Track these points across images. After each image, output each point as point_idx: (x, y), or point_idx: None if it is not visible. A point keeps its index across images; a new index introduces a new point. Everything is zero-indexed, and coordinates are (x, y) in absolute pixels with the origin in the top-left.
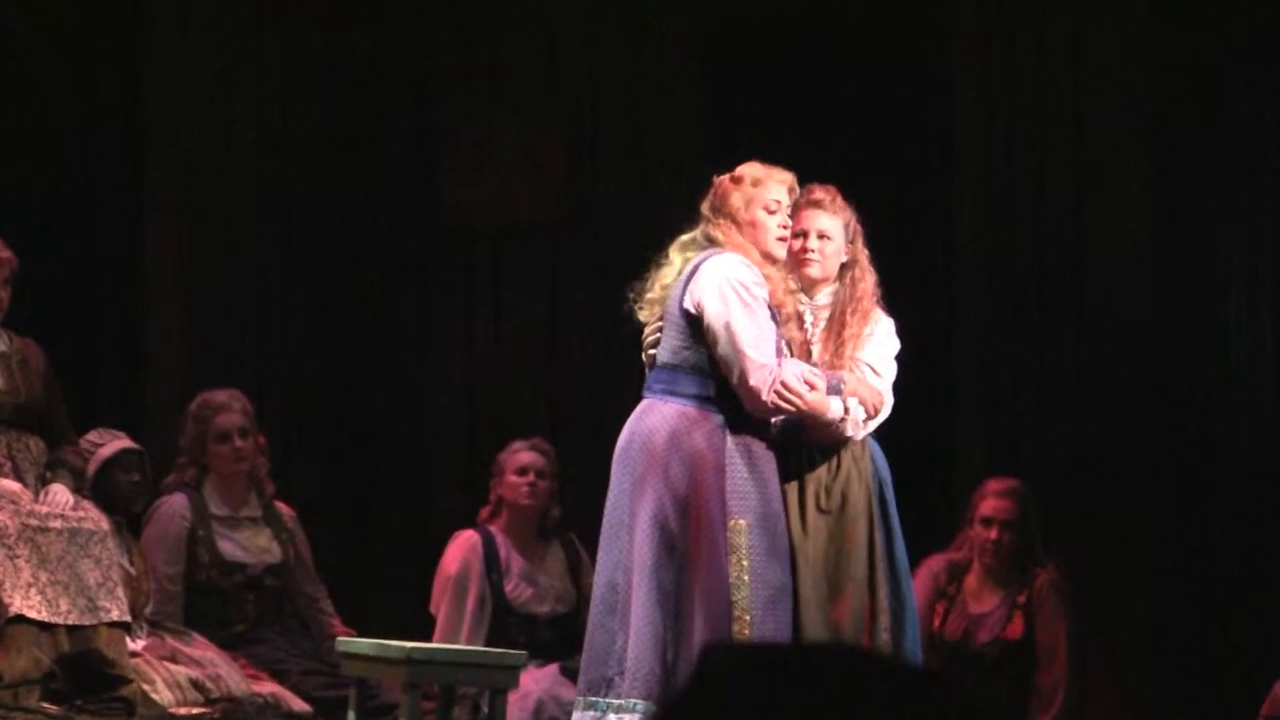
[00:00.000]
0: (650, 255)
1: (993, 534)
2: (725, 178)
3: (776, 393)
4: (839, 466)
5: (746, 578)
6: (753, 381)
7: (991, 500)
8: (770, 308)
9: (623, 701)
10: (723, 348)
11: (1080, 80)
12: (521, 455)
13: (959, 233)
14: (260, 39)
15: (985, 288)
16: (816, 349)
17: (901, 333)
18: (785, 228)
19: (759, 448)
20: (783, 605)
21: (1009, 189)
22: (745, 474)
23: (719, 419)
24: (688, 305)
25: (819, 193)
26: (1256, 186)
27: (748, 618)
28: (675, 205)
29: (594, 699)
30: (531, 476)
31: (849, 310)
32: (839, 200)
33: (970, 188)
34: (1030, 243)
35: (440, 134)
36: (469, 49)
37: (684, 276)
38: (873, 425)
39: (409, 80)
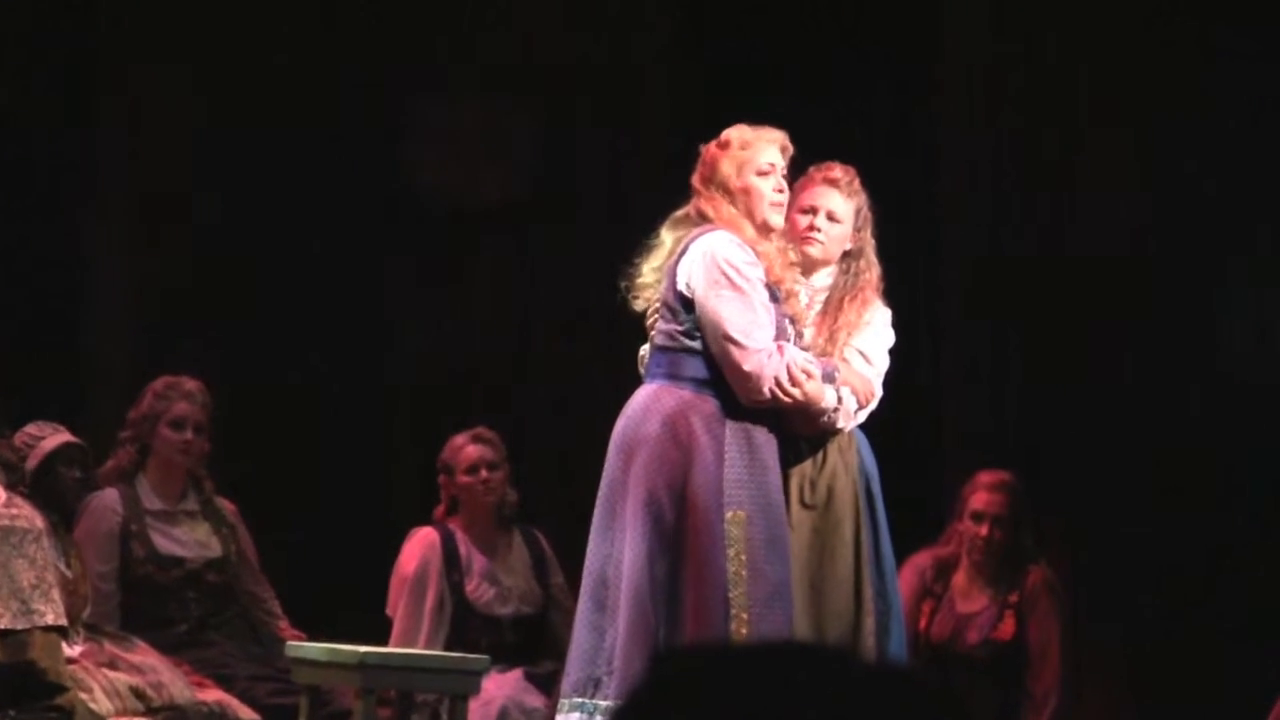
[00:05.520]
0: (625, 238)
1: (983, 530)
2: (712, 145)
3: (776, 379)
4: (824, 459)
5: (744, 573)
6: (747, 367)
7: (982, 494)
8: (768, 286)
9: (611, 704)
10: (712, 333)
11: (1073, 71)
12: (468, 450)
13: (946, 221)
14: (215, 18)
15: (974, 274)
16: (809, 333)
17: (892, 322)
18: (781, 191)
19: (759, 434)
20: (782, 602)
21: (998, 177)
22: (744, 462)
23: (716, 403)
24: (680, 286)
25: (838, 171)
26: (1256, 180)
27: (745, 615)
28: (652, 188)
29: (580, 700)
30: (483, 472)
31: (848, 298)
32: (856, 183)
33: (958, 175)
34: (1020, 229)
35: (403, 114)
36: (432, 22)
37: (675, 256)
38: (862, 416)
39: (368, 58)
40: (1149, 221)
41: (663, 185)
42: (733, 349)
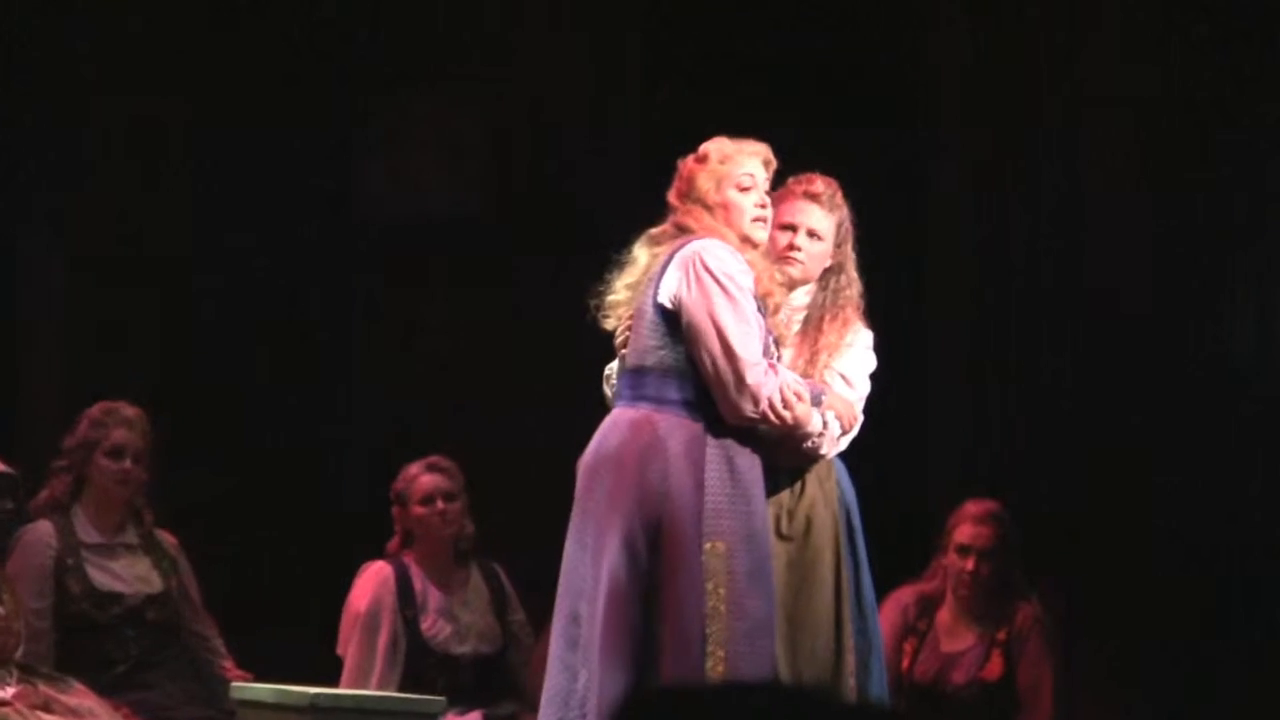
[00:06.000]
0: (608, 255)
1: (969, 564)
2: (690, 159)
3: (770, 400)
4: (803, 489)
5: (723, 608)
6: (750, 380)
7: (969, 526)
8: (756, 299)
9: None
10: (708, 344)
11: (1073, 73)
12: (423, 481)
13: (934, 235)
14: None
15: (964, 286)
16: (789, 353)
17: (874, 341)
18: (763, 206)
19: (742, 460)
20: (764, 640)
21: (990, 188)
22: (725, 490)
23: (697, 426)
24: (662, 299)
25: (819, 185)
26: (1262, 178)
27: (722, 653)
28: (622, 201)
29: None
30: (439, 503)
31: (827, 316)
32: (838, 197)
33: (947, 188)
34: (1016, 237)
35: (366, 120)
36: (383, 14)
37: (656, 269)
38: (843, 444)
39: (314, 52)
40: (1153, 222)
41: (637, 194)
42: (731, 360)
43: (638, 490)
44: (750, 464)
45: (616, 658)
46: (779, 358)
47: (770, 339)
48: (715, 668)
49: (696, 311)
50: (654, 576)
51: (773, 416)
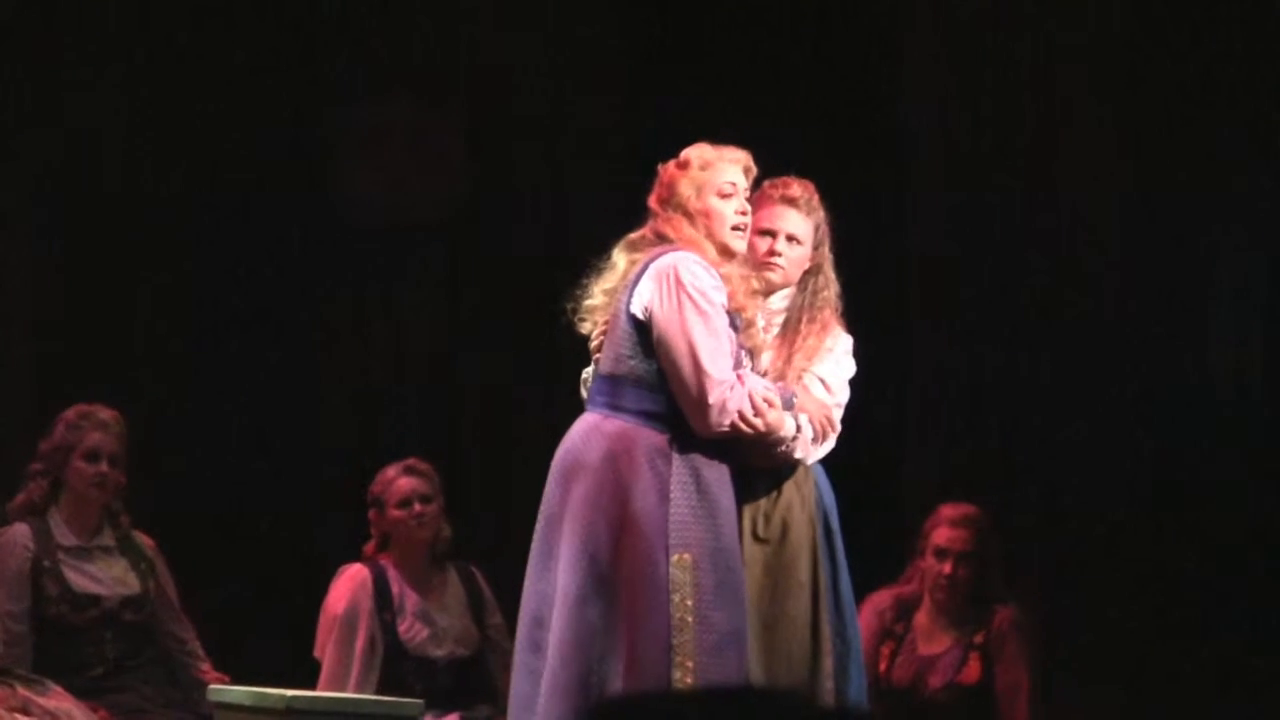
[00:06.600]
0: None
1: (947, 567)
2: (670, 164)
3: (739, 413)
4: (780, 492)
5: (690, 619)
6: (712, 399)
7: (946, 529)
8: (729, 313)
9: None
10: (676, 359)
11: (1050, 76)
12: (400, 484)
13: (913, 232)
14: (127, 24)
15: (942, 287)
16: (767, 356)
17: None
18: (743, 214)
19: (710, 472)
20: (733, 652)
21: (968, 190)
22: (691, 502)
23: (662, 438)
24: (635, 310)
25: (796, 189)
26: (1243, 181)
27: (690, 664)
28: (593, 200)
29: None
30: (416, 506)
31: (805, 318)
32: (815, 200)
33: (926, 187)
34: (993, 245)
35: (332, 123)
36: (356, 18)
37: (631, 277)
38: (822, 450)
39: (286, 56)
40: (1134, 227)
41: (607, 198)
42: (697, 377)
43: (602, 495)
44: (718, 476)
45: (565, 668)
46: (752, 367)
47: (741, 353)
48: (683, 679)
49: (668, 326)
50: (614, 585)
51: (744, 427)
